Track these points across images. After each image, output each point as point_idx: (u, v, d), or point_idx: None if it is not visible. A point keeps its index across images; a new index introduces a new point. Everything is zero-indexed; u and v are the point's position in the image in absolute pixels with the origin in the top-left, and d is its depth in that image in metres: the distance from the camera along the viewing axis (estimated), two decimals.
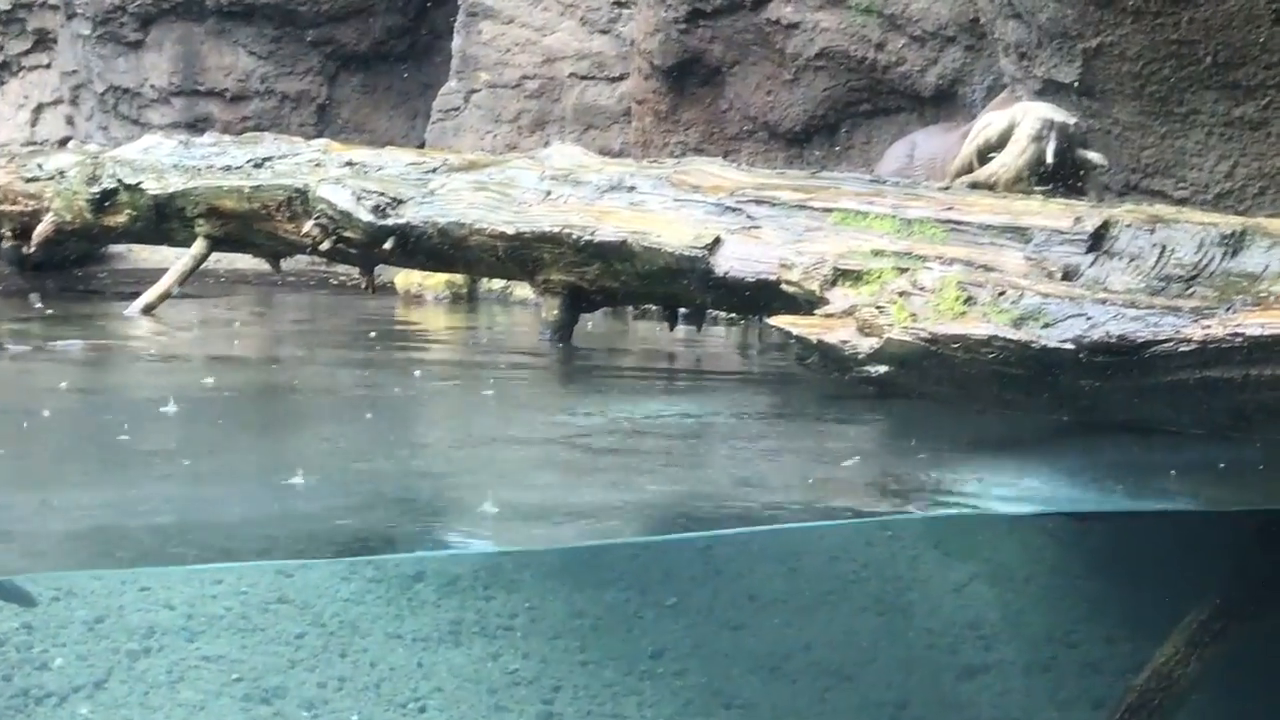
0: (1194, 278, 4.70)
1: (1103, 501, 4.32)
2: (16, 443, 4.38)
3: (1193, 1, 5.58)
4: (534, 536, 4.08)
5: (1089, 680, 7.10)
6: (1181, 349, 4.20)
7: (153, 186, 7.69)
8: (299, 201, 7.09)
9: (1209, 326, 4.20)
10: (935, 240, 5.34)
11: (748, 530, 4.52)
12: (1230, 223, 4.88)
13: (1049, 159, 5.58)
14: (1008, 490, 4.29)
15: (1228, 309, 4.28)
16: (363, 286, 7.30)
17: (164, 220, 7.71)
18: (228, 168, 7.52)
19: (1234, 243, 4.74)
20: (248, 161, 7.48)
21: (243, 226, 7.40)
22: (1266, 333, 4.13)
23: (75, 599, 7.46)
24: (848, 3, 8.08)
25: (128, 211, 7.84)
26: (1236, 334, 4.15)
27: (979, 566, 7.52)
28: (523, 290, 8.16)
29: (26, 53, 13.85)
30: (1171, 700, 5.53)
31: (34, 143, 13.14)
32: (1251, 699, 6.58)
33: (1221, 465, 4.21)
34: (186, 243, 7.62)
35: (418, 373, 6.22)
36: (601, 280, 6.17)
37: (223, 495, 3.84)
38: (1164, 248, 4.82)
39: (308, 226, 7.02)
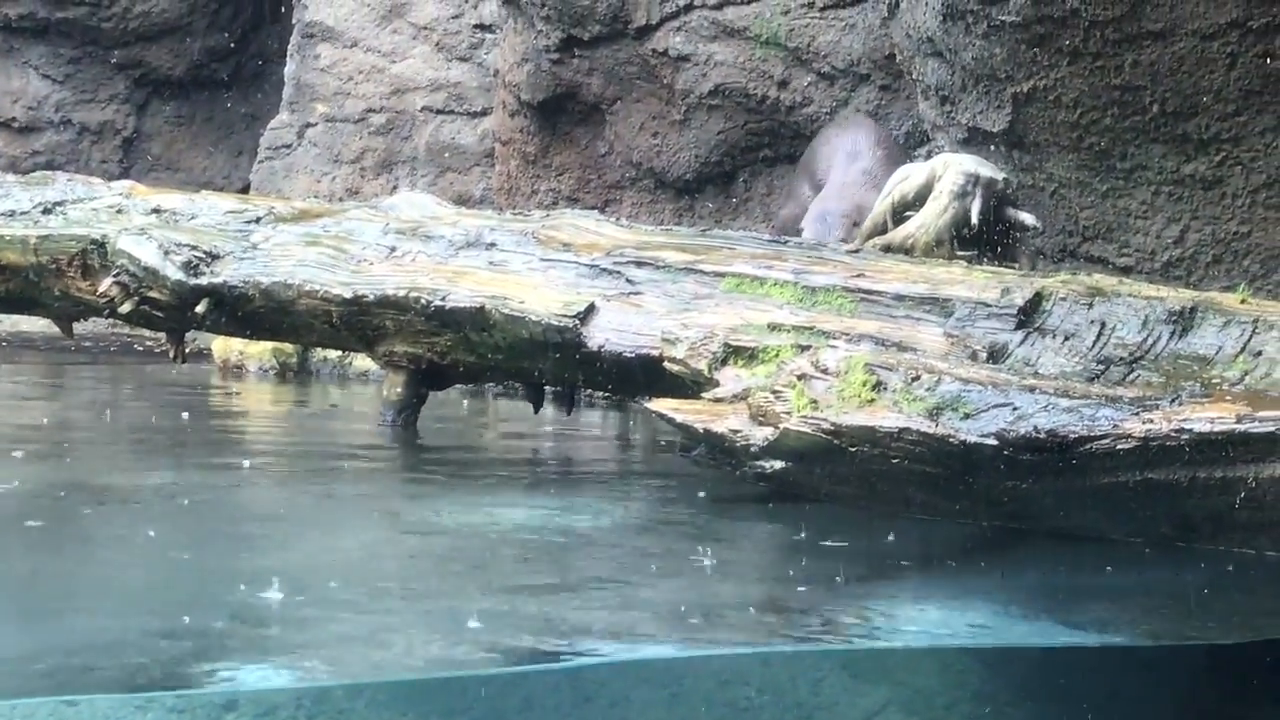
0: (1137, 360, 4.77)
1: (1027, 634, 4.33)
2: None
3: (1138, 43, 5.68)
4: (359, 665, 4.04)
5: None
6: (1120, 447, 4.24)
7: None
8: (96, 255, 7.00)
9: (1152, 421, 4.24)
10: (842, 312, 5.38)
11: (622, 659, 4.49)
12: (1179, 297, 4.96)
13: (974, 219, 5.64)
14: (915, 624, 4.30)
15: (1173, 400, 4.33)
16: (171, 355, 7.20)
17: None
18: (11, 213, 7.41)
19: (1183, 320, 4.81)
20: (35, 206, 7.38)
21: (27, 284, 7.29)
22: (1217, 429, 4.17)
23: None
24: (747, 33, 8.15)
25: None
26: (1183, 430, 4.19)
27: (892, 692, 7.53)
28: (363, 362, 8.12)
29: None
30: None
31: None
32: None
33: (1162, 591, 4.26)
34: None
35: (246, 464, 6.15)
36: (454, 353, 6.16)
37: None
38: (1104, 325, 4.89)
39: (106, 284, 6.93)
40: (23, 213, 7.39)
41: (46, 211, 7.35)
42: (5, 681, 3.72)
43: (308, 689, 7.07)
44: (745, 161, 8.49)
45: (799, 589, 4.30)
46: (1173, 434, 4.19)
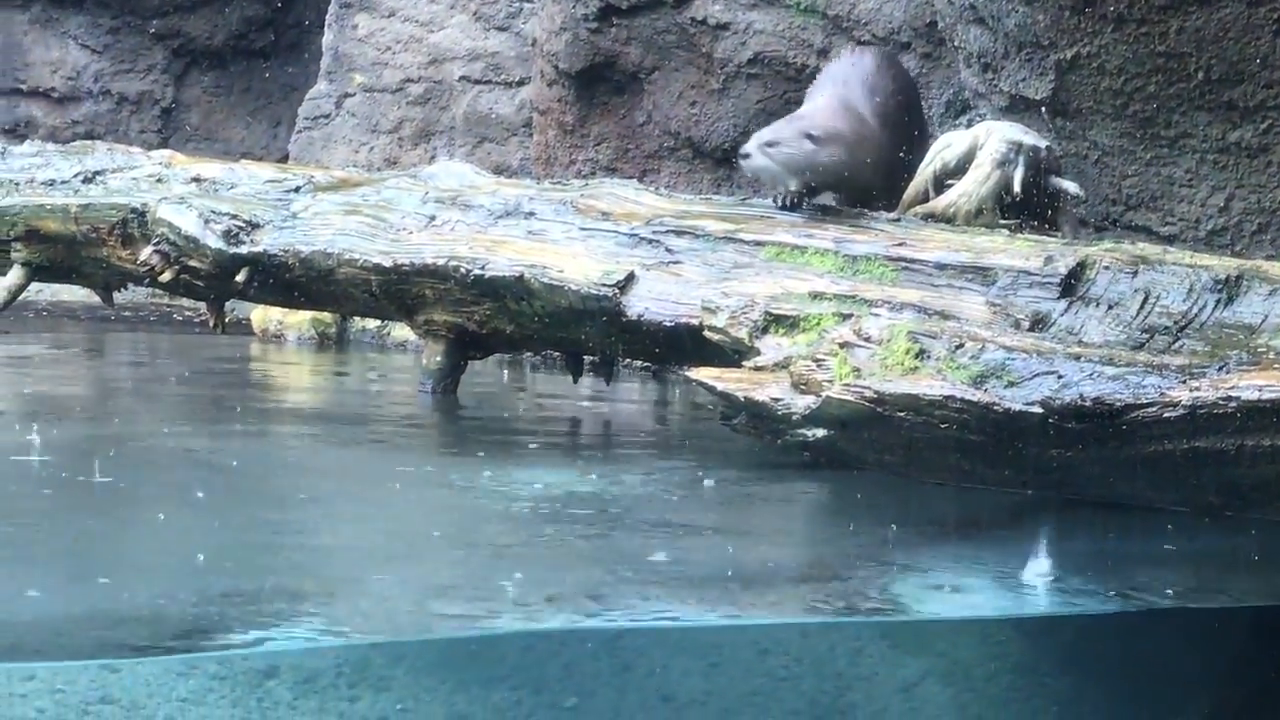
0: (1182, 329, 4.73)
1: (1071, 604, 4.31)
2: None
3: (1183, 9, 5.63)
4: (401, 628, 4.04)
5: None
6: (1167, 414, 4.22)
7: None
8: (136, 223, 7.01)
9: (1199, 389, 4.22)
10: (884, 281, 5.36)
11: (660, 626, 4.48)
12: (1224, 265, 4.92)
13: (1016, 188, 5.61)
14: (959, 593, 4.28)
15: (1220, 368, 4.30)
16: (211, 324, 7.21)
17: None
18: (51, 182, 7.43)
19: (1229, 289, 4.78)
20: (76, 175, 7.40)
21: (68, 252, 7.31)
22: (1264, 397, 4.15)
23: None
24: (786, 3, 8.11)
25: None
26: (1230, 398, 4.17)
27: (932, 663, 7.51)
28: (402, 331, 8.11)
29: None
30: None
31: None
32: None
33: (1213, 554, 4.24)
34: (0, 271, 7.51)
35: (288, 430, 6.15)
36: (493, 322, 6.14)
37: (36, 580, 3.76)
38: (1148, 294, 4.85)
39: (146, 253, 6.94)
40: (63, 182, 7.41)
41: (87, 181, 7.36)
42: (49, 645, 3.73)
43: (348, 653, 7.09)
44: None
45: (840, 557, 4.29)
46: (1220, 402, 4.17)
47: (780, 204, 5.78)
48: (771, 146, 5.73)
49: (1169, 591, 4.08)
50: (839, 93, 5.97)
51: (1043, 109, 6.07)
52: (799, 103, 8.18)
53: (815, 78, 6.43)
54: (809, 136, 5.71)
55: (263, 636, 3.85)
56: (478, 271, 6.05)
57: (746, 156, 5.82)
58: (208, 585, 3.77)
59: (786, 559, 4.31)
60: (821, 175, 5.74)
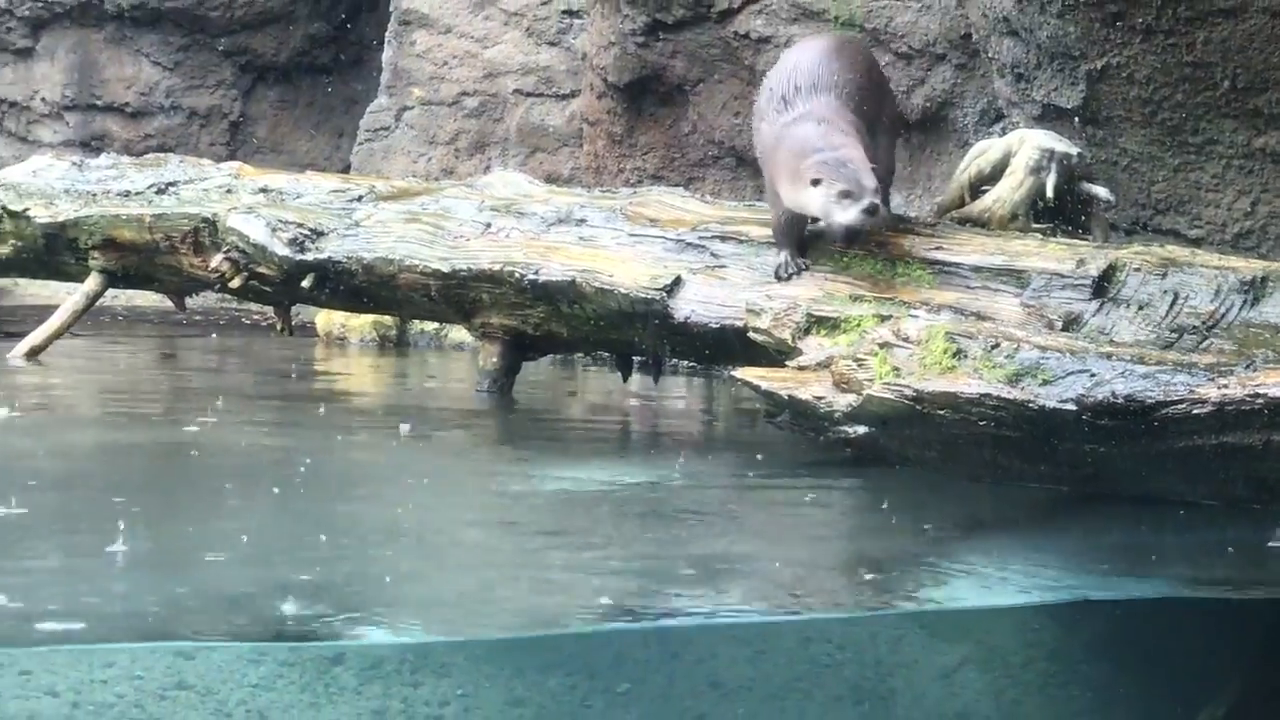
0: (1210, 329, 4.71)
1: (1108, 588, 4.29)
2: None
3: (1209, 20, 5.60)
4: (461, 627, 4.04)
5: None
6: (1196, 411, 4.19)
7: (41, 214, 7.62)
8: (207, 232, 7.04)
9: (1227, 386, 4.20)
10: (922, 284, 5.34)
11: (707, 623, 4.48)
12: (1251, 267, 4.90)
13: (1049, 193, 5.59)
14: (999, 582, 4.26)
15: (1248, 366, 4.28)
16: (278, 328, 7.24)
17: (54, 252, 7.64)
18: (127, 194, 7.46)
19: (1255, 290, 4.76)
20: (149, 187, 7.43)
21: (143, 260, 7.34)
22: None
23: None
24: (825, 15, 8.08)
25: (12, 242, 7.76)
26: (1257, 395, 4.14)
27: (970, 650, 7.48)
28: (459, 334, 8.12)
29: None
30: None
31: None
32: None
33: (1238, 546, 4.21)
34: (79, 277, 7.55)
35: (353, 429, 6.16)
36: (547, 325, 6.14)
37: (114, 571, 3.78)
38: (1177, 295, 4.83)
39: (216, 260, 6.97)
40: (138, 193, 7.44)
41: (160, 192, 7.39)
42: (127, 630, 3.75)
43: (411, 645, 7.10)
44: None
45: (880, 550, 4.28)
46: (1248, 399, 4.15)
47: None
48: (874, 215, 5.23)
49: (1200, 581, 4.06)
50: (844, 116, 5.51)
51: (1074, 117, 6.05)
52: None
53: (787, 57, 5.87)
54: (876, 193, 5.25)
55: (330, 626, 3.85)
56: (532, 276, 6.05)
57: (875, 211, 5.24)
58: (278, 575, 3.78)
59: (829, 552, 4.31)
60: None
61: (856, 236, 5.30)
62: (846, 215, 5.18)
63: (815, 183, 5.23)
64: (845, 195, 5.17)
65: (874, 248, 5.49)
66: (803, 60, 5.67)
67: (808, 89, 5.53)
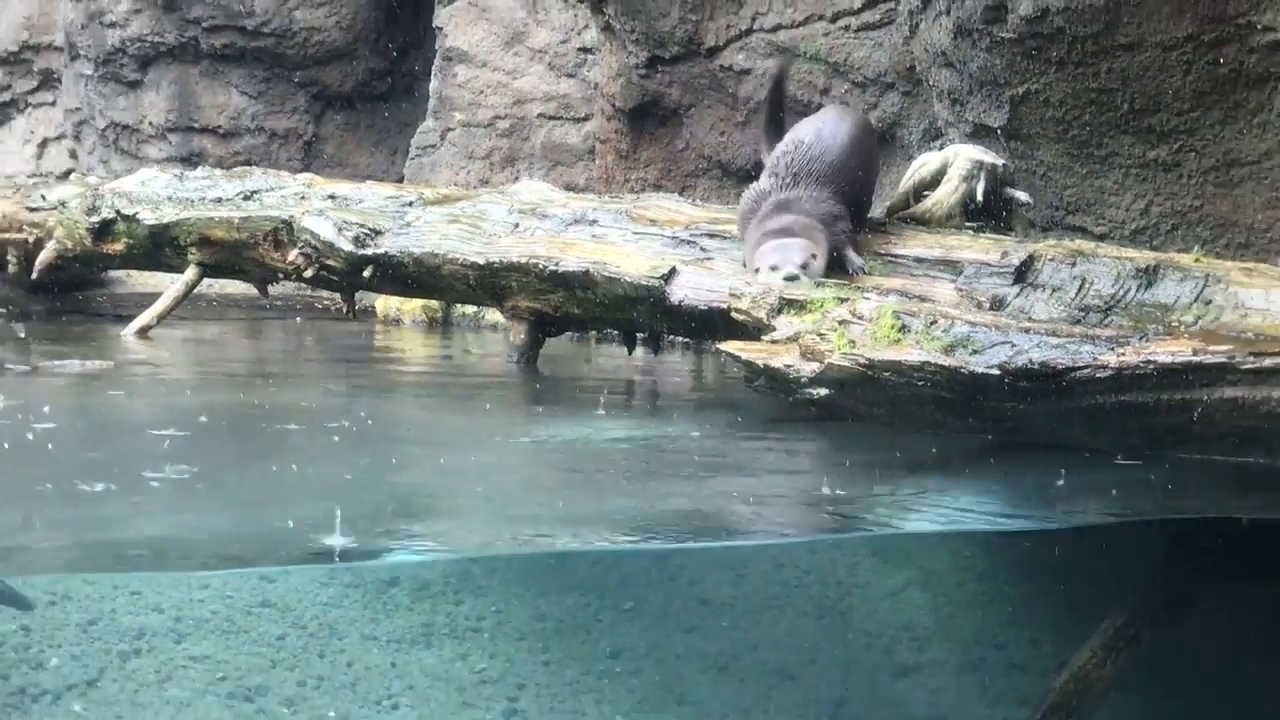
0: (1111, 308, 4.72)
1: (1027, 518, 4.30)
2: (9, 457, 4.32)
3: (1111, 53, 5.60)
4: (498, 544, 4.04)
5: (1014, 679, 7.10)
6: (1099, 375, 4.19)
7: (149, 217, 7.64)
8: (285, 232, 7.05)
9: (1124, 354, 4.19)
10: (874, 273, 5.34)
11: (699, 545, 4.49)
12: (1145, 257, 4.91)
13: (979, 197, 5.58)
14: (937, 511, 4.27)
15: (1141, 338, 4.28)
16: (344, 311, 7.25)
17: (159, 248, 7.66)
18: (219, 200, 7.47)
19: (1148, 276, 4.76)
20: (237, 194, 7.43)
21: (232, 255, 7.35)
22: (1177, 360, 4.12)
23: (70, 603, 7.38)
24: (796, 50, 8.08)
25: (125, 240, 7.77)
26: (1149, 361, 4.14)
27: (913, 573, 7.51)
28: (493, 315, 8.13)
29: (33, 91, 13.78)
30: (1088, 701, 5.52)
31: (38, 175, 13.07)
32: (1165, 702, 6.59)
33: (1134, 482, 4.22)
34: (180, 269, 7.56)
35: (407, 390, 6.17)
36: (565, 307, 6.14)
37: (208, 507, 3.80)
38: (1084, 280, 4.84)
39: (293, 255, 6.98)
40: (228, 199, 7.44)
41: (246, 198, 7.40)
42: (217, 555, 3.75)
43: (453, 566, 7.15)
44: None
45: (839, 488, 4.28)
46: (1141, 364, 4.15)
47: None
48: (805, 269, 5.21)
49: (1101, 512, 4.07)
50: (811, 185, 5.44)
51: (999, 134, 6.05)
52: None
53: (809, 121, 5.78)
54: (812, 255, 5.24)
55: (386, 551, 3.85)
56: (553, 267, 6.05)
57: (794, 279, 5.22)
58: (344, 509, 3.79)
59: (796, 490, 4.31)
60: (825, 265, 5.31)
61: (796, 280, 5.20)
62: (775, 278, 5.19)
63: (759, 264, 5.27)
64: (771, 269, 5.20)
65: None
66: (812, 143, 5.51)
67: (804, 176, 5.44)
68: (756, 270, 5.33)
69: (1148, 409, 4.16)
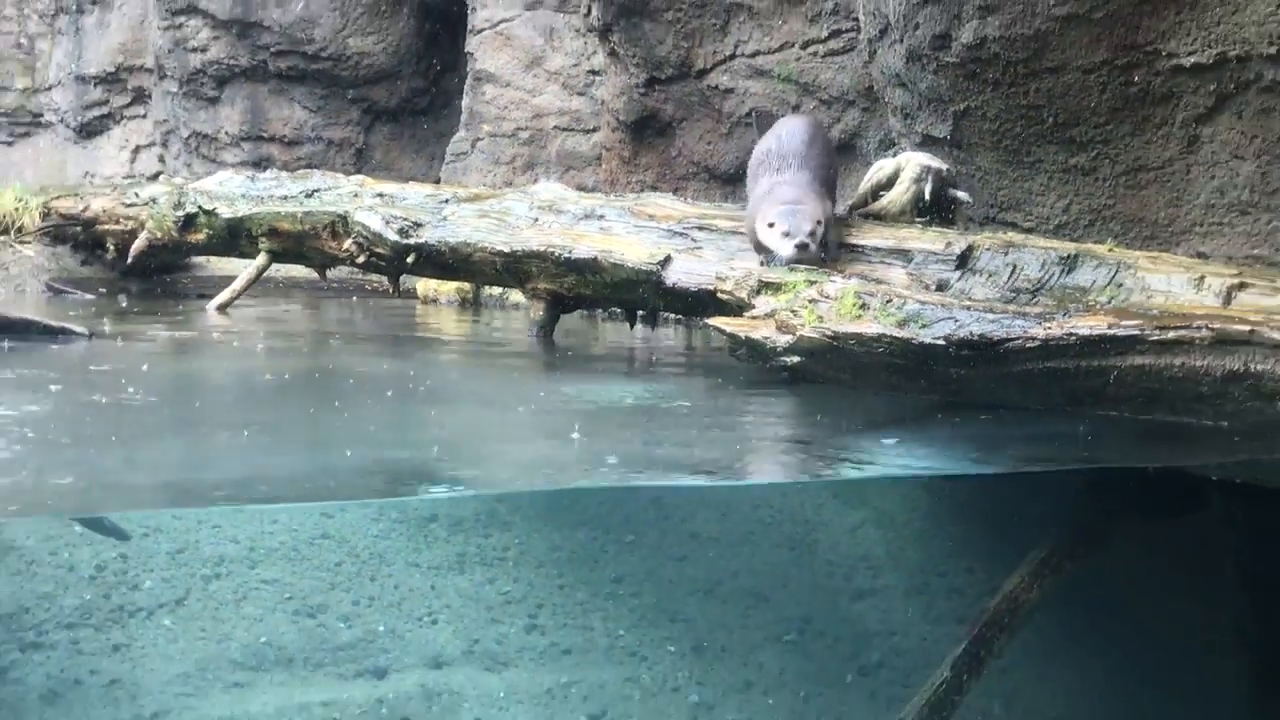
0: (1038, 290, 4.70)
1: (967, 465, 4.29)
2: (111, 411, 4.31)
3: (1039, 75, 5.56)
4: (520, 483, 4.04)
5: (954, 602, 7.12)
6: (1028, 345, 4.19)
7: (226, 211, 7.62)
8: (340, 224, 7.03)
9: (1050, 328, 4.19)
10: (839, 260, 5.32)
11: (690, 484, 4.48)
12: (1066, 247, 4.89)
13: (927, 196, 5.57)
14: (891, 457, 4.26)
15: (1064, 314, 4.28)
16: (390, 291, 7.23)
17: (234, 238, 7.65)
18: (285, 197, 7.45)
19: (1069, 263, 4.75)
20: (300, 192, 7.41)
21: (296, 244, 7.34)
22: (1094, 333, 4.12)
23: (160, 534, 7.39)
24: (772, 73, 8.05)
25: (205, 231, 7.77)
26: (1071, 334, 4.14)
27: (868, 512, 7.53)
28: (516, 295, 8.11)
29: (127, 106, 13.73)
30: (1017, 619, 5.53)
31: (132, 176, 13.06)
32: (1081, 619, 6.61)
33: (1057, 436, 4.21)
34: (252, 256, 7.55)
35: (443, 357, 6.15)
36: (577, 288, 6.13)
37: (281, 451, 3.79)
38: (1015, 266, 4.82)
39: (347, 244, 6.96)
40: (292, 197, 7.43)
41: (308, 196, 7.38)
42: (288, 494, 3.74)
43: (482, 504, 7.13)
44: None
45: (808, 439, 4.28)
46: (1064, 336, 4.14)
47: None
48: (804, 250, 5.10)
49: (1030, 460, 4.06)
50: (802, 169, 5.47)
51: (944, 143, 6.02)
52: None
53: (772, 132, 5.77)
54: (819, 221, 5.16)
55: (426, 491, 3.84)
56: (566, 255, 6.03)
57: (805, 248, 5.10)
58: (391, 455, 3.79)
59: (772, 441, 4.31)
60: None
61: (797, 262, 5.13)
62: (783, 248, 5.11)
63: (770, 225, 5.18)
64: (785, 235, 5.11)
65: None
66: (788, 139, 5.60)
67: (793, 159, 5.48)
68: (770, 225, 5.15)
69: (1070, 374, 4.16)
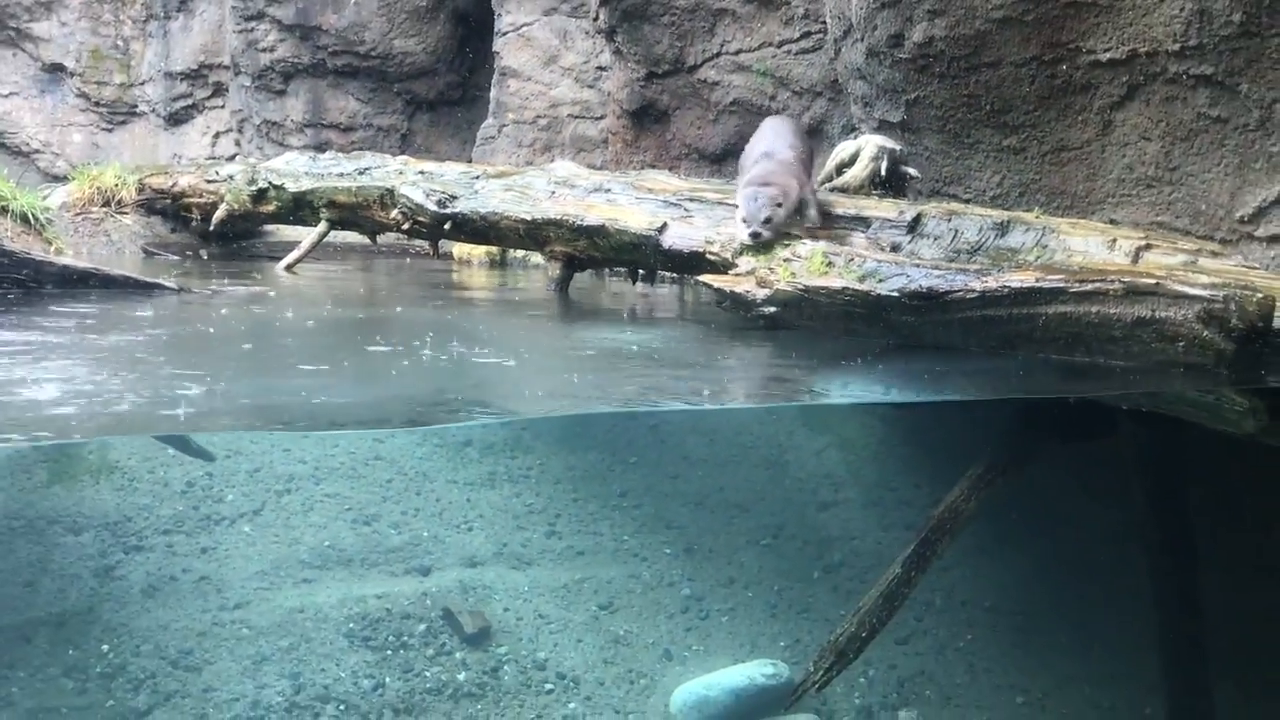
0: (976, 251, 4.67)
1: (916, 395, 4.28)
2: (197, 351, 4.29)
3: (978, 69, 5.49)
4: (544, 409, 4.02)
5: (903, 512, 7.15)
6: (968, 296, 4.17)
7: (292, 186, 7.56)
8: (388, 197, 6.97)
9: (986, 281, 4.16)
10: (818, 226, 5.28)
11: (683, 410, 4.47)
12: (1000, 215, 4.85)
13: (883, 172, 5.53)
14: (854, 388, 4.25)
15: (999, 270, 4.25)
16: (431, 254, 7.19)
17: (299, 208, 7.59)
18: (341, 174, 7.38)
19: (1003, 228, 4.71)
20: (354, 170, 7.35)
21: (351, 213, 7.28)
22: (1023, 286, 4.10)
23: (240, 455, 7.40)
24: (752, 68, 7.96)
25: (275, 203, 7.70)
26: (1005, 286, 4.11)
27: (832, 437, 7.55)
28: (536, 257, 8.06)
29: (208, 98, 13.60)
30: (957, 527, 5.55)
31: (213, 157, 12.97)
32: (1011, 526, 6.64)
33: (992, 371, 4.20)
34: (314, 223, 7.50)
35: (473, 307, 6.12)
36: (588, 250, 6.08)
37: (340, 385, 3.77)
38: (957, 231, 4.79)
39: (394, 214, 6.91)
40: (348, 174, 7.37)
41: (361, 173, 7.32)
42: (345, 420, 3.73)
43: (507, 430, 7.10)
44: None
45: (783, 373, 4.26)
46: (999, 289, 4.12)
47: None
48: (768, 223, 4.94)
49: (970, 390, 4.04)
50: (780, 155, 5.33)
51: (898, 128, 5.95)
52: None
53: (759, 130, 5.70)
54: (778, 203, 4.98)
55: (462, 420, 3.81)
56: (579, 222, 5.98)
57: (757, 236, 4.94)
58: (432, 388, 3.76)
59: (753, 375, 4.29)
60: (792, 210, 5.06)
61: (758, 238, 4.96)
62: (740, 233, 5.01)
63: (737, 207, 5.09)
64: (743, 221, 5.00)
65: None
66: (766, 131, 5.57)
67: (769, 146, 5.41)
68: (737, 207, 5.06)
69: (1003, 320, 4.14)
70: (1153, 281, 3.87)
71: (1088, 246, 4.46)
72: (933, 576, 6.03)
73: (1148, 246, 4.36)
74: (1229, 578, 5.74)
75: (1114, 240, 4.42)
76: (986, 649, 6.52)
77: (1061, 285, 4.02)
